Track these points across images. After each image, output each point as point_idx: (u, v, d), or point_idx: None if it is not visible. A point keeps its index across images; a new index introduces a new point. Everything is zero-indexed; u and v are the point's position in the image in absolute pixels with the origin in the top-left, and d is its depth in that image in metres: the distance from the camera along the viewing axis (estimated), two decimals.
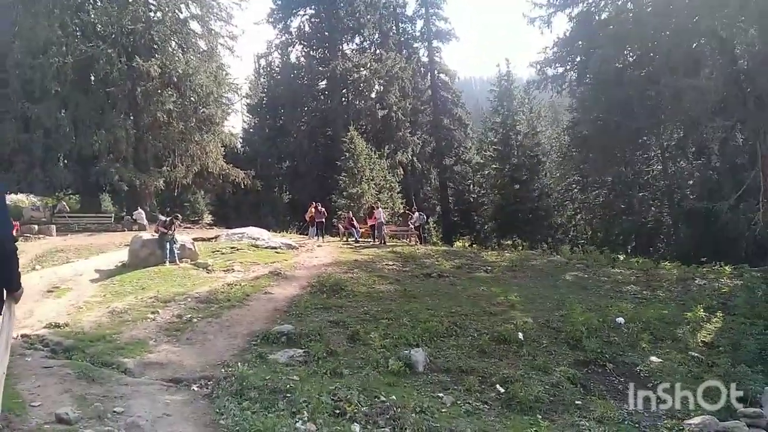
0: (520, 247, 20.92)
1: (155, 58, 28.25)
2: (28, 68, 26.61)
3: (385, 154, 38.62)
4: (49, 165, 28.07)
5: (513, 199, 34.90)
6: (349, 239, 22.58)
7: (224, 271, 13.77)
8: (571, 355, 9.05)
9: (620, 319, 10.65)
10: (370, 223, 22.61)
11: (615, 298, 12.67)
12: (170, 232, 15.09)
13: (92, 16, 28.82)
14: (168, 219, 15.53)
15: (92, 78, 28.65)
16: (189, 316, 9.61)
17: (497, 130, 40.21)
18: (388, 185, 35.50)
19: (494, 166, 39.46)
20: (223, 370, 6.88)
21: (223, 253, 16.52)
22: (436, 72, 51.04)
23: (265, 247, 17.93)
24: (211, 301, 10.63)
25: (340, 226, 25.06)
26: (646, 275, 15.34)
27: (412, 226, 23.51)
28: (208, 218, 42.61)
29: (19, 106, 26.59)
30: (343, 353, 8.23)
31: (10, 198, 25.93)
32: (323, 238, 22.98)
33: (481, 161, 46.39)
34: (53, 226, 23.69)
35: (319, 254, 17.22)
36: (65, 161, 29.84)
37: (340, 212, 32.28)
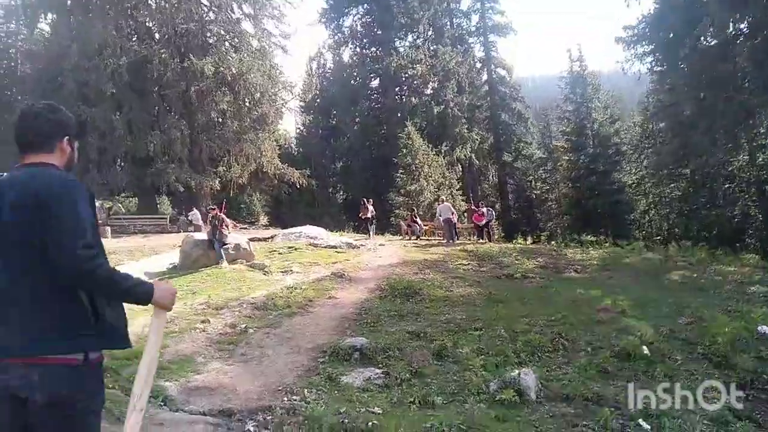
0: (606, 244, 18.65)
1: (209, 57, 27.59)
2: (84, 70, 26.42)
3: (442, 152, 36.89)
4: (104, 167, 27.92)
5: (590, 193, 32.34)
6: (412, 237, 21.02)
7: (282, 272, 12.39)
8: (717, 374, 7.08)
9: (765, 328, 8.56)
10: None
11: (743, 302, 10.49)
12: (210, 226, 13.96)
13: (146, 16, 28.47)
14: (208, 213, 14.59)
15: (146, 79, 28.20)
16: (244, 325, 8.21)
17: (570, 119, 37.60)
18: (447, 182, 33.72)
19: (567, 157, 36.86)
20: (285, 399, 5.39)
21: (280, 254, 15.23)
22: (492, 66, 48.84)
23: (324, 247, 16.57)
24: (268, 307, 9.22)
25: (402, 223, 23.47)
26: None
27: (479, 224, 21.57)
28: (263, 220, 42.08)
29: (75, 109, 26.41)
30: (432, 374, 6.58)
31: None
32: (373, 235, 21.59)
33: (543, 156, 44.01)
34: (108, 228, 23.21)
35: (384, 253, 15.69)
36: (121, 163, 29.64)
37: (398, 210, 30.87)
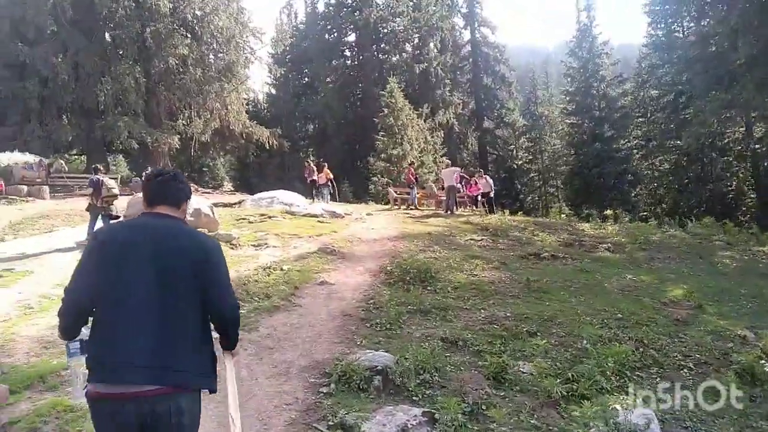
0: (620, 219, 16.58)
1: None
2: (19, 3, 22.62)
3: (423, 115, 34.26)
4: (46, 118, 24.36)
5: (594, 161, 30.09)
6: (404, 206, 18.57)
7: (255, 246, 9.79)
8: None
9: None
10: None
11: None
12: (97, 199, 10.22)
13: None
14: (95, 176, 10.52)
15: (95, 17, 24.38)
16: None
17: (574, 77, 35.05)
18: (430, 148, 31.19)
19: (569, 121, 34.49)
20: None
21: (250, 222, 12.57)
22: (476, 25, 45.93)
23: (304, 215, 13.96)
24: (239, 298, 6.68)
25: (391, 190, 20.93)
26: None
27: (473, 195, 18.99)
28: (228, 186, 39.00)
29: (10, 48, 22.76)
30: (498, 416, 4.24)
31: (3, 157, 22.27)
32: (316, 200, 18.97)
33: (527, 123, 41.84)
34: (47, 188, 19.99)
35: (376, 225, 13.19)
36: (67, 115, 26.07)
37: (376, 176, 28.34)
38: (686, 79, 32.42)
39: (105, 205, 10.43)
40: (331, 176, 20.26)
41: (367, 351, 5.11)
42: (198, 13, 25.37)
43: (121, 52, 24.95)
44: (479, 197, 17.97)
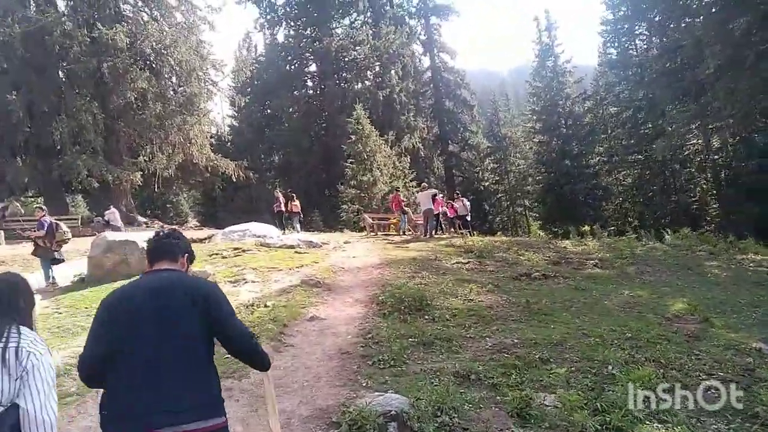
0: (597, 234, 16.49)
1: (122, 26, 23.33)
2: None
3: (389, 141, 34.18)
4: (0, 160, 23.14)
5: (565, 179, 30.35)
6: (398, 232, 18.16)
7: (233, 283, 9.13)
8: None
9: None
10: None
11: None
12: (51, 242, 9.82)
13: None
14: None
15: (47, 54, 23.41)
16: None
17: (540, 96, 35.54)
18: (399, 173, 30.98)
19: (537, 139, 34.87)
20: None
21: (224, 257, 11.89)
22: (435, 51, 46.66)
23: (279, 247, 13.34)
24: None
25: (366, 217, 20.46)
26: None
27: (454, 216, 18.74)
28: (193, 221, 37.91)
29: None
30: None
31: None
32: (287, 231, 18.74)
33: (491, 146, 42.30)
34: (1, 233, 18.84)
35: (357, 252, 12.66)
36: (21, 155, 24.89)
37: (347, 204, 27.92)
38: (643, 95, 33.40)
39: (57, 248, 9.80)
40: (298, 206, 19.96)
41: (376, 393, 4.59)
42: (156, 46, 24.68)
43: (77, 89, 23.98)
44: (456, 219, 17.71)
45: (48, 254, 9.73)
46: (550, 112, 34.17)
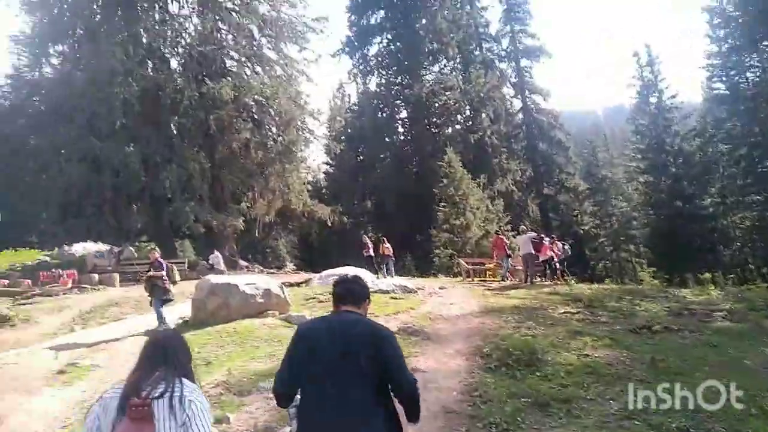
0: (709, 283, 14.82)
1: (228, 80, 24.93)
2: (93, 102, 23.92)
3: (481, 185, 33.58)
4: (118, 208, 25.05)
5: (677, 222, 28.20)
6: (484, 277, 17.49)
7: None
8: None
9: None
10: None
11: None
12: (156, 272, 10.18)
13: (159, 41, 26.05)
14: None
15: (161, 109, 25.43)
16: (288, 430, 4.86)
17: (644, 134, 33.75)
18: (493, 216, 30.21)
19: (643, 179, 32.95)
20: None
21: (320, 301, 11.86)
22: (527, 92, 46.06)
23: (374, 292, 13.11)
24: None
25: (462, 262, 19.95)
26: None
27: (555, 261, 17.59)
28: (290, 265, 38.93)
29: (85, 143, 23.86)
30: None
31: (78, 247, 22.86)
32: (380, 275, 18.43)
33: (590, 187, 40.43)
34: (116, 275, 20.15)
35: (454, 299, 12.17)
36: (137, 203, 26.85)
37: (439, 248, 27.49)
38: (759, 131, 30.84)
39: (170, 288, 10.19)
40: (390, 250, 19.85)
41: None
42: (258, 98, 26.16)
43: (186, 140, 25.76)
44: (554, 263, 16.69)
45: (163, 293, 10.08)
46: (657, 150, 32.18)
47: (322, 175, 45.31)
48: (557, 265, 16.83)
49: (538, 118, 44.64)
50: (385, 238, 20.76)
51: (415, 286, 14.16)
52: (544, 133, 44.19)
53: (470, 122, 41.19)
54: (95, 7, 26.38)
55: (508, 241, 18.83)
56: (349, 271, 16.12)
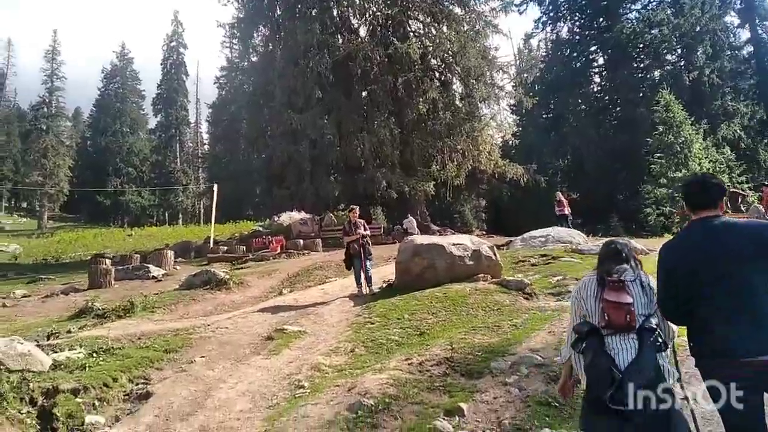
0: None
1: (414, 40, 24.32)
2: (291, 77, 25.03)
3: (702, 131, 28.56)
4: (317, 178, 26.19)
5: None
6: None
7: (555, 295, 7.60)
8: None
9: None
10: None
11: None
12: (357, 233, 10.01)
13: (346, 8, 26.38)
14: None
15: (352, 77, 25.77)
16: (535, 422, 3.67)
17: None
18: (722, 167, 25.49)
19: None
20: None
21: (533, 264, 10.46)
22: (757, 20, 38.22)
23: (594, 254, 11.35)
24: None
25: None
26: None
27: None
28: (477, 231, 37.77)
29: (285, 118, 25.12)
30: None
31: (285, 216, 24.43)
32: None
33: None
34: (319, 241, 21.04)
35: None
36: (333, 172, 27.83)
37: (650, 208, 24.05)
38: None
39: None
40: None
41: None
42: (445, 56, 25.16)
43: (376, 107, 25.84)
44: None
45: (364, 253, 9.70)
46: None
47: (509, 135, 43.06)
48: None
49: None
50: (566, 196, 19.61)
51: (644, 248, 11.96)
52: None
53: (683, 61, 35.64)
54: None
55: None
56: (555, 232, 14.52)
